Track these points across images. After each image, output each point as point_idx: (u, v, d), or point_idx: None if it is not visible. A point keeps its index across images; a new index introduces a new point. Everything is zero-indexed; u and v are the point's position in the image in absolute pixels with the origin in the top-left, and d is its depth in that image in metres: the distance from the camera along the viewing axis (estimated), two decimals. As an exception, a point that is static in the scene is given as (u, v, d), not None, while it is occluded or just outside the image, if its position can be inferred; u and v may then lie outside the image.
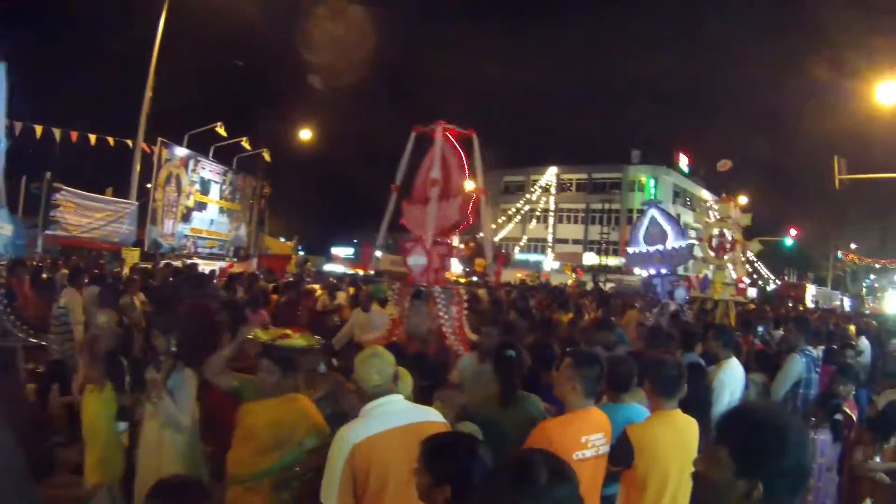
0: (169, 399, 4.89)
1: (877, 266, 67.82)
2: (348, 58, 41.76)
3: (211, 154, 34.38)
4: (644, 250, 14.58)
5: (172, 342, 5.13)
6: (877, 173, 30.38)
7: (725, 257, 14.72)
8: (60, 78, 56.20)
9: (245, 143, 35.68)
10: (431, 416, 3.95)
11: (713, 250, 14.85)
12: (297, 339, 4.61)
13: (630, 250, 15.79)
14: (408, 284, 8.32)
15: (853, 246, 69.75)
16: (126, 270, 17.99)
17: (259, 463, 4.18)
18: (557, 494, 2.05)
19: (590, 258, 62.85)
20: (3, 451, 2.37)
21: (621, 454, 4.14)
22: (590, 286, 39.08)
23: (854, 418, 7.04)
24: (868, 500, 3.48)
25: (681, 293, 13.64)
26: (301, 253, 45.90)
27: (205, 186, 33.69)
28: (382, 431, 3.67)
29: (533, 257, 67.59)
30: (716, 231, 14.90)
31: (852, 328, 18.99)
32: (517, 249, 68.02)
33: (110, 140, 27.06)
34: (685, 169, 70.30)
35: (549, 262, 65.36)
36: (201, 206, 33.40)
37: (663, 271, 13.90)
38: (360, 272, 26.34)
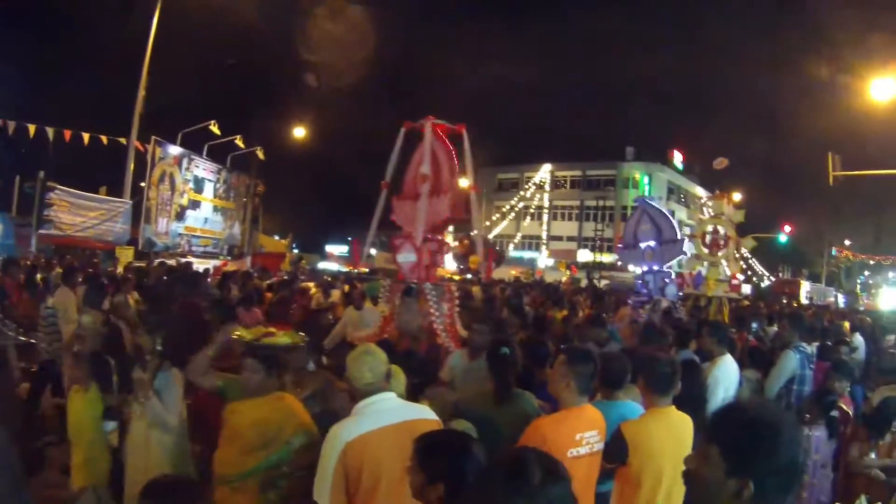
0: (156, 399, 4.87)
1: (871, 262, 68.19)
2: (342, 55, 41.69)
3: (205, 152, 34.29)
4: (636, 246, 14.56)
5: (158, 341, 5.10)
6: (871, 170, 30.46)
7: (719, 254, 14.74)
8: (53, 77, 56.13)
9: (239, 142, 35.60)
10: (424, 414, 3.94)
11: (707, 247, 14.86)
12: (281, 338, 4.56)
13: (622, 247, 15.79)
14: (399, 281, 8.28)
15: (847, 242, 70.07)
16: (120, 269, 17.94)
17: (245, 462, 4.14)
18: (551, 494, 2.03)
19: (584, 255, 62.89)
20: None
21: (616, 451, 4.13)
22: (584, 283, 39.13)
23: (850, 414, 7.05)
24: (863, 496, 3.47)
25: (672, 290, 13.61)
26: (295, 251, 45.89)
27: (198, 185, 33.61)
28: (375, 429, 3.65)
29: (527, 254, 67.64)
30: (709, 228, 14.91)
31: (847, 325, 19.01)
32: (511, 247, 68.00)
33: (104, 139, 26.95)
34: (679, 166, 70.38)
35: (543, 260, 65.42)
36: (195, 205, 33.32)
37: (655, 268, 13.88)
38: (354, 270, 26.33)
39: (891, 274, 67.87)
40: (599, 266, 55.18)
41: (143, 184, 28.99)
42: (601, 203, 61.98)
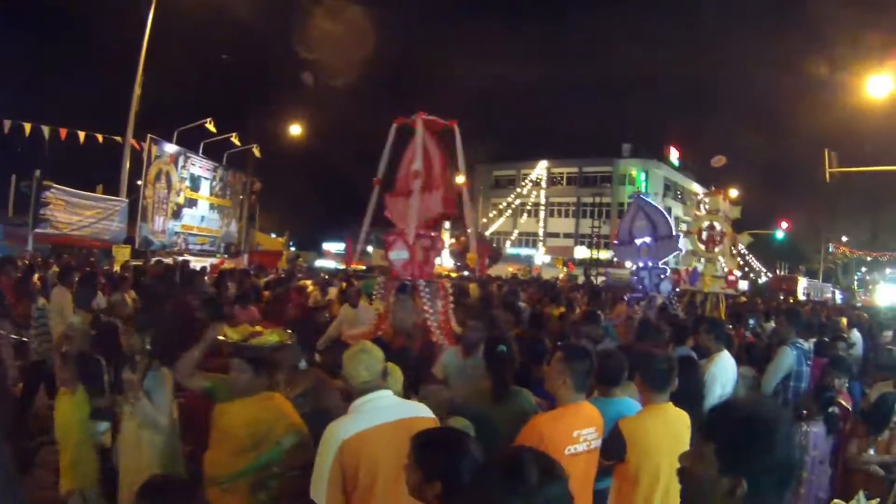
0: (146, 400, 4.84)
1: (868, 259, 68.23)
2: (339, 53, 41.67)
3: (201, 150, 34.32)
4: (631, 243, 14.55)
5: (147, 341, 5.07)
6: (867, 166, 30.48)
7: (716, 250, 14.73)
8: (49, 76, 56.06)
9: (235, 139, 35.62)
10: (421, 412, 3.93)
11: (703, 243, 14.85)
12: (269, 337, 4.52)
13: (618, 243, 15.77)
14: (393, 279, 8.24)
15: (844, 239, 70.14)
16: (117, 268, 17.92)
17: (236, 464, 4.12)
18: (548, 493, 2.03)
19: (581, 252, 62.96)
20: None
21: (613, 448, 4.13)
22: (581, 280, 39.16)
23: (850, 409, 7.05)
24: (861, 492, 3.45)
25: (665, 286, 13.59)
26: (292, 249, 45.90)
27: (195, 183, 33.61)
28: (371, 427, 3.65)
29: (524, 251, 67.61)
30: (705, 224, 14.90)
31: (844, 321, 19.02)
32: (508, 243, 68.01)
33: (99, 137, 26.96)
34: (676, 162, 70.42)
35: (540, 256, 65.43)
36: (192, 203, 33.34)
37: (650, 264, 13.87)
38: (352, 267, 26.34)
39: (888, 270, 67.92)
40: (596, 263, 55.21)
41: (139, 182, 29.01)
42: (598, 200, 61.95)
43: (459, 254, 39.89)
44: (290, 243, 46.81)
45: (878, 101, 24.91)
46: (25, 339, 8.99)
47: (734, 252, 17.71)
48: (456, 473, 2.74)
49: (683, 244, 14.96)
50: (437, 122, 8.34)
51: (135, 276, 13.80)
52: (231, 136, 35.21)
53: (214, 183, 35.85)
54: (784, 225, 60.65)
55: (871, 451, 6.37)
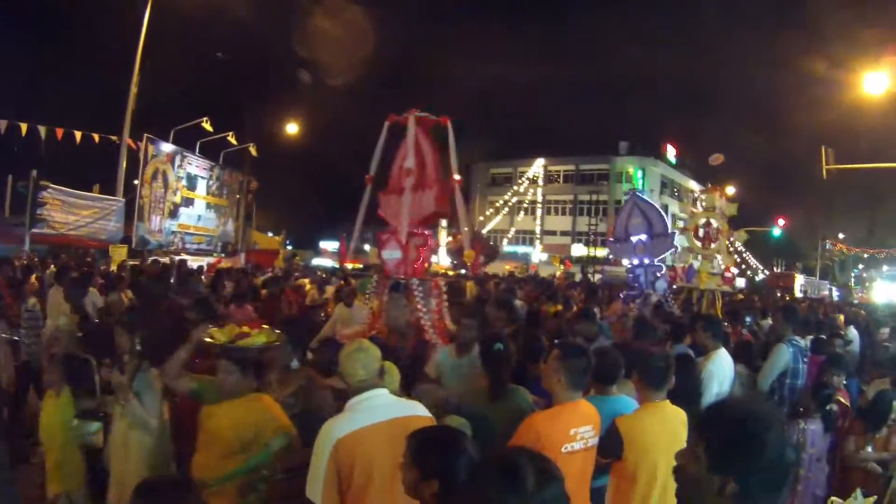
0: (136, 401, 4.82)
1: (865, 256, 68.25)
2: (336, 51, 41.65)
3: (197, 149, 34.27)
4: (627, 240, 14.53)
5: (137, 341, 5.05)
6: (864, 163, 30.52)
7: (712, 246, 14.71)
8: (45, 75, 55.89)
9: (231, 138, 35.56)
10: (417, 411, 3.93)
11: (699, 240, 14.83)
12: (256, 338, 4.50)
13: (613, 240, 15.76)
14: (386, 277, 8.21)
15: (841, 236, 70.19)
16: (114, 267, 17.90)
17: (224, 466, 4.12)
18: (546, 494, 2.03)
19: (578, 249, 62.95)
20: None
21: (611, 446, 4.13)
22: (578, 277, 39.16)
23: (849, 406, 7.05)
24: (858, 490, 3.46)
25: (662, 284, 13.57)
26: (289, 247, 45.87)
27: (191, 182, 33.57)
28: (367, 426, 3.64)
29: (521, 249, 67.58)
30: (702, 221, 14.89)
31: (841, 318, 19.06)
32: (505, 241, 67.94)
33: (96, 137, 26.89)
34: (673, 160, 70.39)
35: (537, 254, 65.47)
36: (188, 202, 33.30)
37: (646, 261, 13.85)
38: (349, 266, 26.31)
39: (885, 267, 67.89)
40: (593, 260, 55.18)
41: (136, 181, 28.99)
42: (595, 197, 61.90)
43: (456, 252, 39.89)
44: (287, 242, 46.82)
45: (875, 98, 24.89)
46: (17, 339, 8.97)
47: (731, 249, 17.73)
48: (452, 472, 2.74)
49: (680, 241, 14.95)
50: (430, 120, 8.30)
51: (132, 275, 13.77)
52: (228, 136, 35.15)
53: (211, 182, 35.81)
54: (781, 222, 60.69)
55: (869, 449, 6.38)
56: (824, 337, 9.75)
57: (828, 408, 6.41)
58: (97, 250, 24.94)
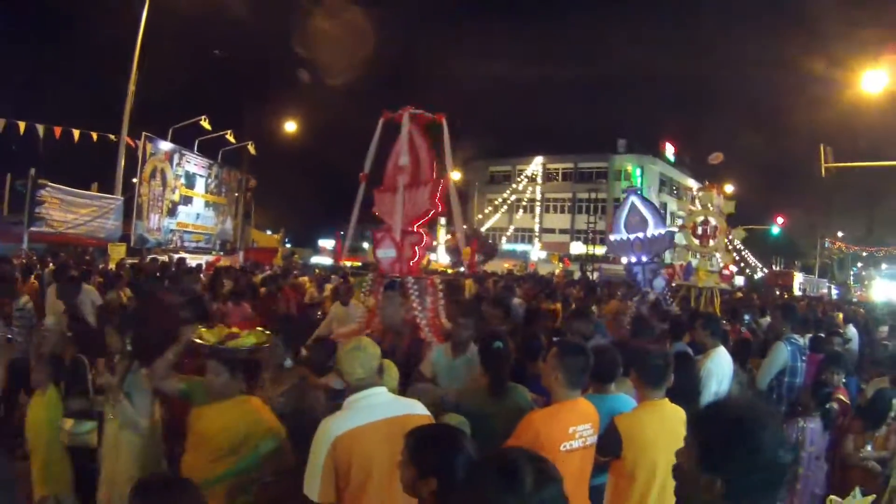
0: (127, 402, 4.80)
1: (864, 254, 68.27)
2: (334, 50, 41.62)
3: (196, 148, 34.20)
4: (624, 238, 14.53)
5: (127, 342, 5.02)
6: (863, 161, 30.54)
7: (710, 243, 14.69)
8: (43, 74, 55.93)
9: (230, 137, 35.52)
10: (416, 409, 3.92)
11: (697, 238, 14.81)
12: (245, 339, 4.47)
13: (611, 238, 15.74)
14: (381, 275, 8.18)
15: (840, 234, 70.18)
16: (112, 266, 17.88)
17: (214, 469, 4.09)
18: (544, 495, 2.03)
19: (577, 247, 62.92)
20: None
21: (609, 444, 4.12)
22: (577, 276, 39.16)
23: (849, 404, 7.05)
24: (857, 488, 3.46)
25: (659, 282, 13.56)
26: (288, 245, 45.85)
27: (190, 180, 33.50)
28: (365, 424, 3.63)
29: (520, 247, 67.57)
30: (700, 219, 14.87)
31: (840, 316, 19.06)
32: (504, 240, 67.93)
33: (94, 135, 26.83)
34: (671, 158, 70.43)
35: (536, 252, 65.45)
36: (187, 201, 33.23)
37: (644, 259, 13.84)
38: (348, 264, 26.28)
39: (884, 265, 67.87)
40: (592, 258, 55.16)
41: (134, 180, 28.95)
42: (593, 195, 61.85)
43: (455, 250, 39.89)
44: (286, 240, 46.77)
45: (874, 96, 24.93)
46: (10, 337, 8.96)
47: (730, 247, 17.72)
48: (451, 470, 2.74)
49: (678, 239, 14.94)
50: (425, 116, 8.25)
51: (132, 274, 13.76)
52: (226, 134, 35.11)
53: (210, 180, 35.73)
54: (780, 220, 60.82)
55: (868, 447, 6.37)
56: (823, 335, 9.75)
57: (827, 406, 6.41)
58: (96, 249, 24.94)
